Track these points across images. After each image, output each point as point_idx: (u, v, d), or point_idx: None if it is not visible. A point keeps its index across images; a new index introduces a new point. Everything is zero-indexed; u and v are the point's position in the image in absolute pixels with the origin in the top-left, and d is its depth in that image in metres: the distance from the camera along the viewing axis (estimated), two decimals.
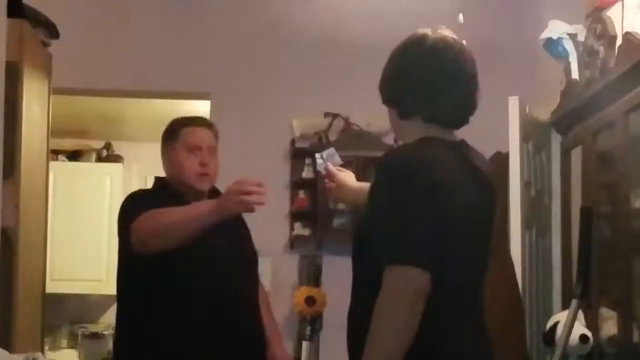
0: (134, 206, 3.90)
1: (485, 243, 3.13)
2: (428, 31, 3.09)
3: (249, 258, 4.11)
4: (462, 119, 3.08)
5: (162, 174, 4.10)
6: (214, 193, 3.97)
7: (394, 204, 2.93)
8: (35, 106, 4.76)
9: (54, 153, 6.58)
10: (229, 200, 3.54)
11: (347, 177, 3.59)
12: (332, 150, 3.66)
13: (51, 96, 5.09)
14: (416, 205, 2.89)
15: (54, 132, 5.29)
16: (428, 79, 3.05)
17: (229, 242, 3.93)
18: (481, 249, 3.09)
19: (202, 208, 3.71)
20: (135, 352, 3.90)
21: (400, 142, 3.21)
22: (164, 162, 4.06)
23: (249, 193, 3.50)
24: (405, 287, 2.80)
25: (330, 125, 6.06)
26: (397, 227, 2.88)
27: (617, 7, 4.10)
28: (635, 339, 3.81)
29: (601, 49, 4.22)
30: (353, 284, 3.09)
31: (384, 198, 2.97)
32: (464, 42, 3.21)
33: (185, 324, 3.81)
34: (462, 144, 3.09)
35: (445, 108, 3.04)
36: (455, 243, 2.93)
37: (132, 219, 3.79)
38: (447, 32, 3.11)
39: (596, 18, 4.27)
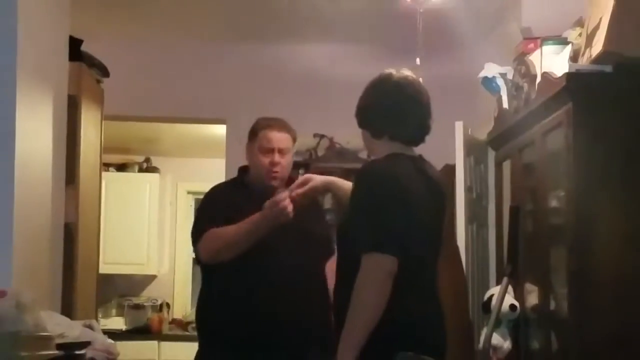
0: (201, 221, 3.72)
1: (438, 235, 3.12)
2: (393, 71, 3.10)
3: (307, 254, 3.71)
4: (420, 139, 3.09)
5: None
6: (290, 182, 3.72)
7: (370, 205, 2.94)
8: (91, 129, 4.78)
9: (106, 166, 6.58)
10: (269, 218, 3.43)
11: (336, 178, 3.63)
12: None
13: (103, 122, 5.12)
14: (386, 207, 2.90)
15: (105, 149, 5.33)
16: (394, 108, 3.07)
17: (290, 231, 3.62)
18: (435, 240, 3.09)
19: (250, 227, 3.51)
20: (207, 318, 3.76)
21: (372, 157, 3.20)
22: (246, 155, 3.81)
23: (281, 207, 3.42)
24: (378, 269, 2.82)
25: (318, 143, 6.05)
26: (372, 223, 2.89)
27: (537, 53, 4.10)
28: (552, 307, 3.83)
29: (525, 85, 4.21)
30: (337, 266, 3.09)
31: (362, 201, 2.98)
32: (420, 79, 3.22)
33: (231, 301, 3.65)
34: (420, 158, 3.10)
35: (407, 130, 3.06)
36: (416, 235, 2.93)
37: (198, 237, 3.64)
38: (407, 72, 3.12)
39: (521, 61, 4.26)
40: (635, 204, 3.50)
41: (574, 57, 3.79)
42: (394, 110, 3.08)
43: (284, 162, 3.70)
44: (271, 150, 3.67)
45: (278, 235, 3.54)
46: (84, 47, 4.60)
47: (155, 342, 6.62)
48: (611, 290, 3.44)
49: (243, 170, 3.86)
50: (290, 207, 3.43)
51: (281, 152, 3.68)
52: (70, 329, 3.36)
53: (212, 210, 3.73)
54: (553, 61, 3.95)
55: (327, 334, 3.44)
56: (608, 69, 3.52)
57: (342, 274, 3.03)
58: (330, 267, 3.72)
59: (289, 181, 3.76)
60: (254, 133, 3.76)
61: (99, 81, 4.99)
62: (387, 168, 3.01)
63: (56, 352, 3.01)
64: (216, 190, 3.87)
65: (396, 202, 2.92)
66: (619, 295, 3.43)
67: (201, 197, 4.01)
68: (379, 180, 2.99)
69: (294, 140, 3.79)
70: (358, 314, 2.83)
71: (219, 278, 3.67)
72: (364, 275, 2.84)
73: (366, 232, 2.89)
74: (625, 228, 3.48)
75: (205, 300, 3.76)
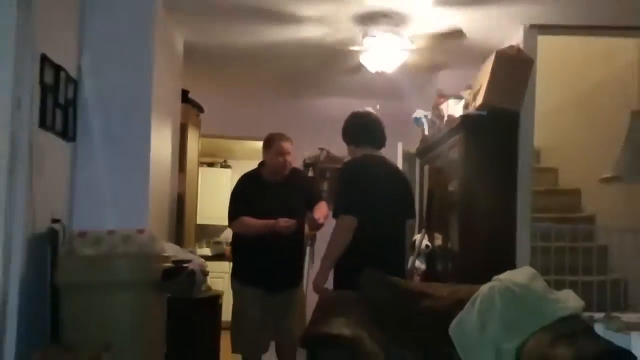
0: (233, 205, 3.54)
1: (399, 203, 3.02)
2: (362, 109, 3.16)
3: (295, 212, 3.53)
4: (382, 145, 3.10)
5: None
6: (292, 173, 3.60)
7: (342, 185, 2.94)
8: (193, 143, 4.77)
9: (201, 163, 6.55)
10: (278, 230, 3.33)
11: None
12: None
13: (200, 138, 5.11)
14: (351, 185, 2.91)
15: (201, 154, 5.30)
16: (366, 126, 3.10)
17: (282, 205, 3.52)
18: (393, 206, 2.98)
19: (265, 229, 3.38)
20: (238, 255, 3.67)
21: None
22: (264, 157, 3.61)
23: (286, 225, 3.32)
24: (343, 224, 2.83)
25: (320, 153, 6.02)
26: (342, 196, 2.89)
27: (445, 104, 4.11)
28: (449, 246, 3.83)
29: (438, 121, 4.23)
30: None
31: (339, 183, 3.01)
32: (379, 115, 3.24)
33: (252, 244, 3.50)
34: (383, 157, 3.09)
35: (374, 139, 3.08)
36: (379, 201, 2.89)
37: (230, 220, 3.52)
38: (370, 109, 3.17)
39: (437, 108, 4.27)
40: (495, 190, 3.51)
41: (465, 106, 3.83)
42: (366, 127, 3.11)
43: (290, 160, 3.61)
44: (283, 154, 3.56)
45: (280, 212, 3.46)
46: (189, 95, 4.63)
47: (226, 263, 6.59)
48: (482, 237, 3.46)
49: (261, 164, 3.71)
50: (291, 227, 3.35)
51: (289, 154, 3.59)
52: (180, 252, 3.39)
53: (239, 199, 3.57)
54: (454, 109, 3.98)
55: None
56: (484, 113, 3.54)
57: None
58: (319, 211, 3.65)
59: (293, 171, 3.65)
60: (271, 142, 3.60)
61: (197, 115, 4.99)
62: (356, 161, 3.02)
63: (172, 264, 3.03)
64: (243, 180, 3.71)
65: (358, 182, 2.88)
66: (486, 239, 3.45)
67: None
68: (349, 169, 3.01)
69: (292, 146, 3.67)
70: (331, 249, 2.83)
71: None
72: (335, 228, 2.85)
73: (338, 203, 2.89)
74: (490, 202, 3.49)
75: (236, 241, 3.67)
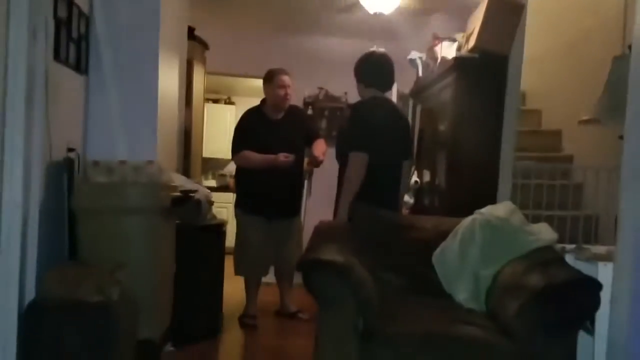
0: (236, 140, 3.55)
1: (403, 143, 3.05)
2: (375, 49, 3.15)
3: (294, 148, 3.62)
4: (390, 87, 3.11)
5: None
6: (292, 110, 3.59)
7: (354, 125, 2.91)
8: (199, 78, 4.73)
9: (207, 100, 6.52)
10: (278, 164, 3.38)
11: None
12: None
13: (206, 75, 5.04)
14: (363, 125, 2.87)
15: (207, 90, 5.25)
16: (378, 69, 3.06)
17: (283, 140, 3.55)
18: (400, 147, 3.02)
19: (266, 163, 3.39)
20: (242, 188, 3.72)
21: (360, 99, 3.09)
22: (266, 92, 3.60)
23: (285, 160, 3.35)
24: (357, 160, 2.83)
25: (319, 92, 5.94)
26: (355, 135, 2.87)
27: (439, 46, 4.05)
28: (436, 182, 3.85)
29: (432, 63, 4.19)
30: (339, 168, 3.02)
31: (353, 123, 2.97)
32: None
33: (254, 176, 3.57)
34: (389, 98, 3.11)
35: (384, 82, 3.06)
36: (384, 142, 2.89)
37: (234, 154, 3.55)
38: (382, 50, 3.14)
39: (431, 50, 4.22)
40: (482, 129, 3.50)
41: (459, 49, 3.78)
42: (379, 69, 3.07)
43: (291, 93, 3.62)
44: (284, 87, 3.57)
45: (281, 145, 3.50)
46: (196, 32, 4.54)
47: (230, 194, 6.68)
48: (467, 174, 3.48)
49: (263, 102, 3.71)
50: (290, 161, 3.38)
51: (289, 87, 3.61)
52: (187, 183, 3.41)
53: (242, 134, 3.57)
54: (448, 51, 3.93)
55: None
56: (476, 55, 3.51)
57: (340, 167, 2.97)
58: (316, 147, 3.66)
59: (291, 108, 3.64)
60: (271, 76, 3.60)
61: (203, 52, 4.92)
62: (366, 103, 3.01)
63: (179, 193, 3.07)
64: (246, 116, 3.70)
65: (367, 122, 2.88)
66: (471, 176, 3.47)
67: None
68: (360, 110, 2.98)
69: (292, 80, 3.68)
70: (349, 184, 2.84)
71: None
72: (351, 164, 2.83)
73: (351, 141, 2.87)
74: (477, 141, 3.49)
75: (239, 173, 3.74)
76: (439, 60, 4.01)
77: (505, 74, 3.51)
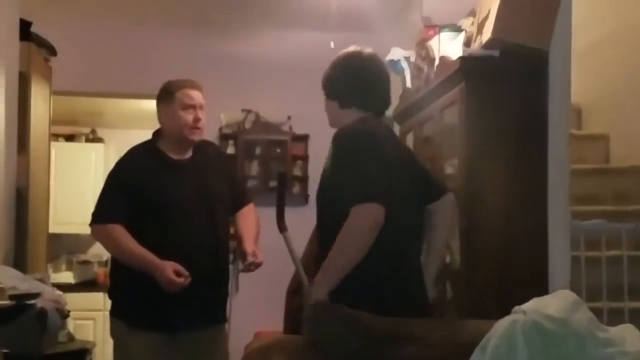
0: (105, 196, 3.54)
1: (419, 184, 3.05)
2: (359, 48, 3.10)
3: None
4: (383, 110, 3.13)
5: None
6: (202, 149, 3.63)
7: (351, 162, 2.84)
8: (40, 103, 4.72)
9: (55, 136, 6.47)
10: (161, 281, 3.31)
11: None
12: None
13: (52, 96, 5.05)
14: (367, 161, 2.83)
15: (54, 121, 5.27)
16: (364, 81, 3.06)
17: (198, 197, 3.56)
18: (416, 189, 3.02)
19: (143, 266, 3.37)
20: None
21: (336, 126, 3.08)
22: (162, 118, 3.59)
23: (174, 283, 3.30)
24: (367, 218, 2.75)
25: (245, 117, 6.03)
26: (356, 177, 2.80)
27: (435, 39, 4.11)
28: (446, 259, 3.77)
29: (425, 67, 4.24)
30: (318, 230, 3.02)
31: (343, 160, 2.87)
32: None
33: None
34: (385, 122, 3.13)
35: (374, 101, 3.07)
36: (398, 187, 2.89)
37: (97, 219, 3.51)
38: (370, 50, 3.11)
39: (422, 46, 4.27)
40: (516, 170, 3.54)
41: (467, 43, 3.84)
42: (364, 83, 3.07)
43: (204, 118, 3.58)
44: (193, 107, 3.53)
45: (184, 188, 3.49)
46: (33, 29, 4.52)
47: (101, 294, 6.55)
48: (495, 245, 3.49)
49: (156, 134, 3.65)
50: (181, 285, 3.33)
51: (201, 108, 3.56)
52: (21, 282, 3.33)
53: (117, 188, 3.53)
54: (449, 46, 3.97)
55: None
56: (495, 53, 3.56)
57: (325, 236, 2.92)
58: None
59: (202, 145, 3.63)
60: (170, 93, 3.57)
61: (47, 59, 4.92)
62: (362, 128, 2.98)
63: (8, 302, 3.01)
64: (129, 158, 3.66)
65: (375, 156, 2.87)
66: (502, 249, 3.49)
67: None
68: (355, 138, 2.93)
69: (204, 98, 3.63)
70: (342, 255, 2.77)
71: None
72: (353, 223, 2.75)
73: (352, 187, 2.81)
74: (508, 192, 3.52)
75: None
76: (436, 62, 4.08)
77: (545, 79, 3.58)
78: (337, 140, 2.96)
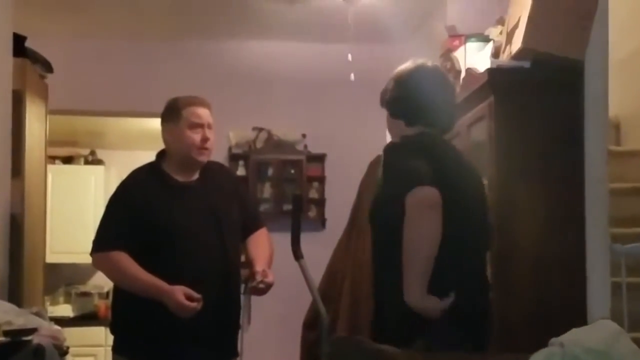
0: (107, 223, 3.57)
1: (485, 221, 3.14)
2: (422, 62, 3.14)
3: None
4: (450, 126, 3.20)
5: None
6: (206, 168, 3.64)
7: (404, 161, 2.94)
8: (35, 123, 4.69)
9: (52, 158, 6.50)
10: (171, 306, 3.32)
11: None
12: None
13: (48, 116, 5.03)
14: (416, 160, 2.91)
15: (51, 142, 5.23)
16: (431, 97, 3.09)
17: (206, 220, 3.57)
18: (484, 223, 3.12)
19: (150, 293, 3.38)
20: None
21: None
22: (167, 138, 3.63)
23: (185, 307, 3.31)
24: (424, 199, 2.81)
25: (257, 136, 6.03)
26: (405, 171, 2.91)
27: (461, 49, 4.14)
28: None
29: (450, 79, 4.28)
30: (375, 250, 3.06)
31: (397, 162, 3.00)
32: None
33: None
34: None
35: (440, 118, 3.11)
36: (467, 209, 2.96)
37: (98, 247, 3.54)
38: (432, 63, 3.17)
39: (447, 57, 4.28)
40: (550, 191, 3.55)
41: (495, 54, 3.84)
42: (431, 100, 3.09)
43: (212, 138, 3.60)
44: (200, 126, 3.54)
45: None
46: (27, 44, 4.53)
47: (102, 328, 6.56)
48: (529, 271, 3.49)
49: (161, 155, 3.68)
50: (192, 311, 3.33)
51: (209, 127, 3.58)
52: (17, 317, 3.31)
53: (120, 214, 3.55)
54: (476, 57, 4.01)
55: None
56: (526, 64, 3.56)
57: (384, 248, 3.00)
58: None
59: (210, 166, 3.66)
60: (176, 112, 3.59)
61: (42, 77, 4.91)
62: (416, 142, 3.04)
63: (2, 338, 2.99)
64: (132, 181, 3.70)
65: (422, 156, 2.93)
66: (537, 276, 3.48)
67: None
68: (404, 147, 3.04)
69: (212, 115, 3.65)
70: (418, 245, 2.81)
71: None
72: (413, 208, 2.82)
73: (402, 179, 2.90)
74: (542, 214, 3.52)
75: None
76: (462, 75, 4.09)
77: (580, 92, 3.59)
78: (385, 151, 3.09)
